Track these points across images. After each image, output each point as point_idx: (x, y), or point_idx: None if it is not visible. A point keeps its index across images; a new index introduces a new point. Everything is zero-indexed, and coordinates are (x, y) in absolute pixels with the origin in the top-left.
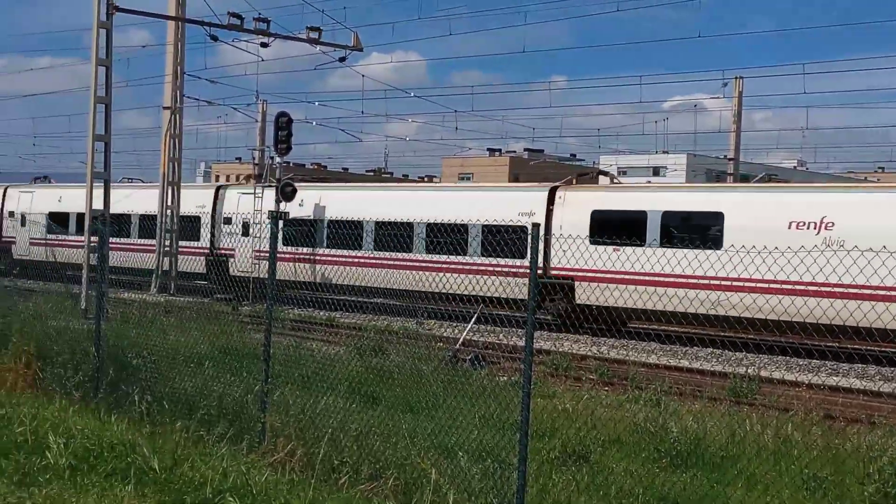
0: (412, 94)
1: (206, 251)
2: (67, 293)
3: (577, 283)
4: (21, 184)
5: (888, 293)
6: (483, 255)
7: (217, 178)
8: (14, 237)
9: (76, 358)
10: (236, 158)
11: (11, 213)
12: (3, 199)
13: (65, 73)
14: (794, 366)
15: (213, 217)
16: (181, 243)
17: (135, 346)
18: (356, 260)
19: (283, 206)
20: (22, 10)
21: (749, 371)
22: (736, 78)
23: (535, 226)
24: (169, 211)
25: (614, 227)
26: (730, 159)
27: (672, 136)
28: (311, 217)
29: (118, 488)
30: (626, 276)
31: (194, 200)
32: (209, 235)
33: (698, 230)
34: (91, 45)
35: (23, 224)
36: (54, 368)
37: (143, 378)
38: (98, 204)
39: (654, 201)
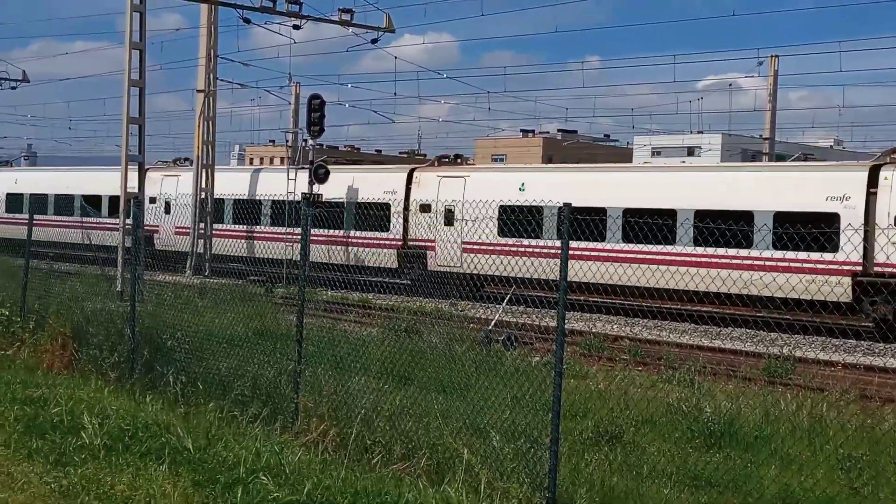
0: (444, 76)
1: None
2: (103, 275)
3: None
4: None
5: None
6: None
7: (251, 160)
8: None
9: (111, 339)
10: (270, 141)
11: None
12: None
13: (99, 57)
14: (829, 346)
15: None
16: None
17: (169, 328)
18: None
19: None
20: None
21: (784, 351)
22: (771, 56)
23: None
24: (203, 194)
25: None
26: (765, 139)
27: (707, 116)
28: None
29: (152, 468)
30: None
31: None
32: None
33: None
34: (125, 28)
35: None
36: (90, 350)
37: (178, 359)
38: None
39: None
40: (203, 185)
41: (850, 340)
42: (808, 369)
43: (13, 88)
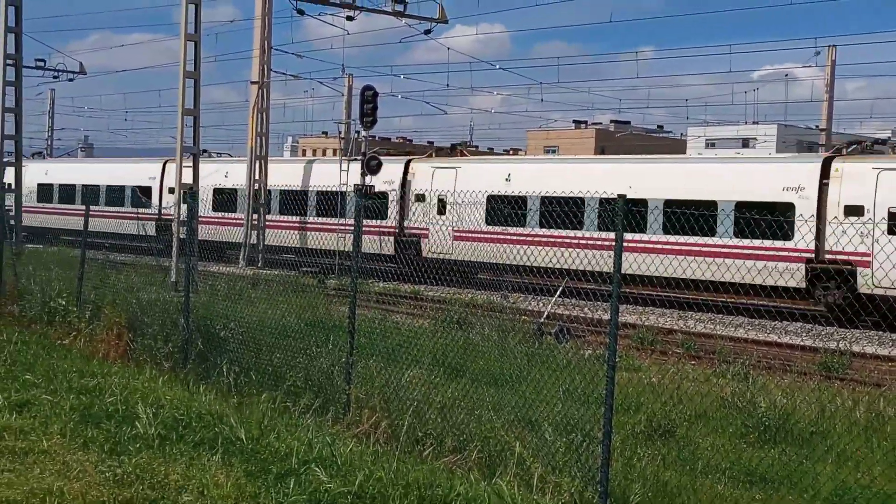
0: (497, 67)
1: None
2: (158, 266)
3: None
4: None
5: None
6: None
7: (304, 152)
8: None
9: (166, 329)
10: (322, 132)
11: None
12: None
13: (155, 48)
14: (886, 340)
15: None
16: None
17: (222, 318)
18: None
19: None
20: None
21: (840, 346)
22: (829, 46)
23: None
24: (256, 185)
25: None
26: (821, 129)
27: (762, 107)
28: None
29: (206, 458)
30: None
31: None
32: None
33: None
34: (180, 20)
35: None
36: (145, 340)
37: (231, 349)
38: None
39: None
40: (257, 177)
41: None
42: (865, 364)
43: (70, 80)
